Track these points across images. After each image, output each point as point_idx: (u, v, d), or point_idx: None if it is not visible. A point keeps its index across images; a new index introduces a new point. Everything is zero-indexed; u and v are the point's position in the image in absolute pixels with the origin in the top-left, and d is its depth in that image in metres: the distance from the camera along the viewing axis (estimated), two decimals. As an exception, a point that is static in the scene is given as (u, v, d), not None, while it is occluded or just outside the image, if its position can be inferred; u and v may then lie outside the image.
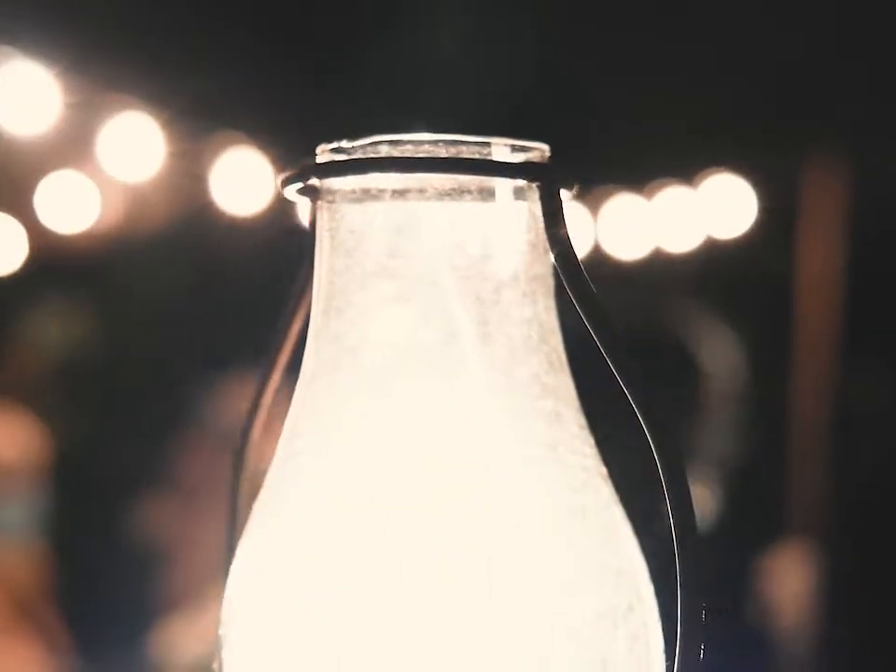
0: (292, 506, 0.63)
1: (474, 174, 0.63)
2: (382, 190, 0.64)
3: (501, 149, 0.64)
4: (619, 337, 0.62)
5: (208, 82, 3.39)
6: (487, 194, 0.64)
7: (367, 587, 0.60)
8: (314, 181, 0.65)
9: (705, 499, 2.69)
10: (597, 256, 3.74)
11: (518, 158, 0.65)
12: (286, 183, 0.65)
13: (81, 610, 2.97)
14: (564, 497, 0.64)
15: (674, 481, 0.60)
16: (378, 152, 0.64)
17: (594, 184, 3.79)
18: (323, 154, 0.65)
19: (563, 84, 3.74)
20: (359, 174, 0.63)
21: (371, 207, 0.64)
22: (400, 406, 0.63)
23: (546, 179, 0.64)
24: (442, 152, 0.63)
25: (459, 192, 0.64)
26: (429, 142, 0.63)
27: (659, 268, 3.81)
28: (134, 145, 3.27)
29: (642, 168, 3.69)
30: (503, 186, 0.64)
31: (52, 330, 4.53)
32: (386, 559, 0.60)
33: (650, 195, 3.84)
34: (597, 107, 3.68)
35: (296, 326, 0.69)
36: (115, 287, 4.48)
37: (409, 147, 0.63)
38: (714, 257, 3.76)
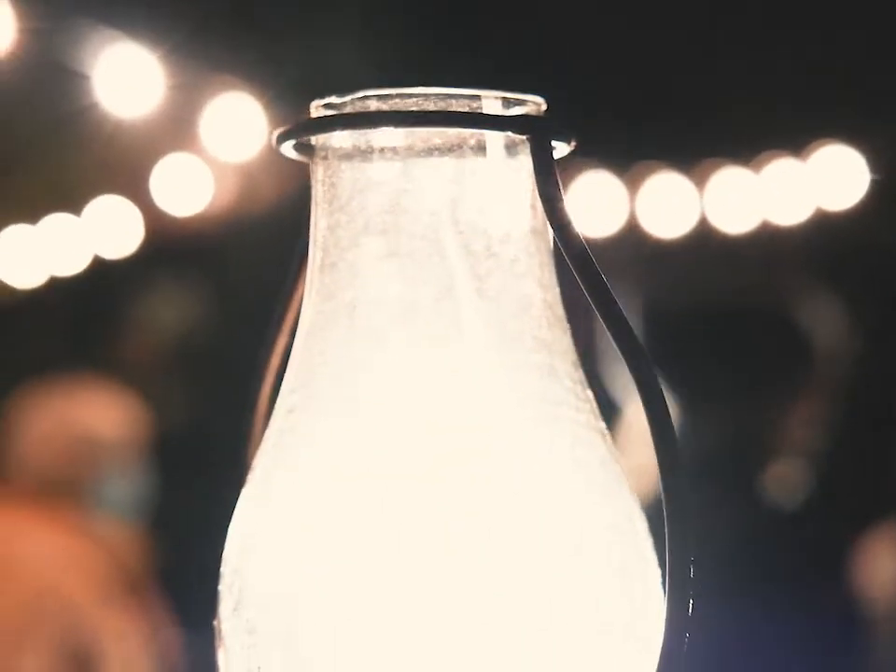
0: (287, 469, 0.63)
1: (463, 126, 0.63)
2: (375, 146, 0.64)
3: (492, 103, 0.64)
4: (607, 289, 0.61)
5: (310, 57, 3.42)
6: (481, 149, 0.64)
7: (365, 555, 0.60)
8: (308, 137, 0.65)
9: (808, 475, 2.65)
10: (704, 230, 3.70)
11: (513, 112, 0.65)
12: (280, 139, 0.65)
13: (182, 587, 3.03)
14: (562, 455, 0.63)
15: (656, 416, 0.59)
16: (368, 107, 0.64)
17: (702, 158, 3.75)
18: (316, 109, 0.65)
19: (670, 56, 3.70)
20: (349, 129, 0.63)
21: (365, 163, 0.64)
22: (396, 362, 0.63)
23: (537, 133, 0.63)
24: (432, 106, 0.63)
25: (453, 147, 0.63)
26: (420, 95, 0.63)
27: (767, 242, 3.75)
28: (239, 125, 3.31)
29: (750, 140, 3.64)
30: (494, 139, 0.64)
31: (166, 312, 4.61)
32: (385, 527, 0.60)
33: (758, 168, 3.78)
34: (702, 80, 3.64)
35: (300, 286, 0.69)
36: (227, 268, 4.54)
37: (399, 101, 0.63)
38: (824, 229, 3.69)
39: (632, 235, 3.72)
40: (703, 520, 2.04)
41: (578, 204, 3.67)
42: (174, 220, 4.17)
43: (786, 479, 2.09)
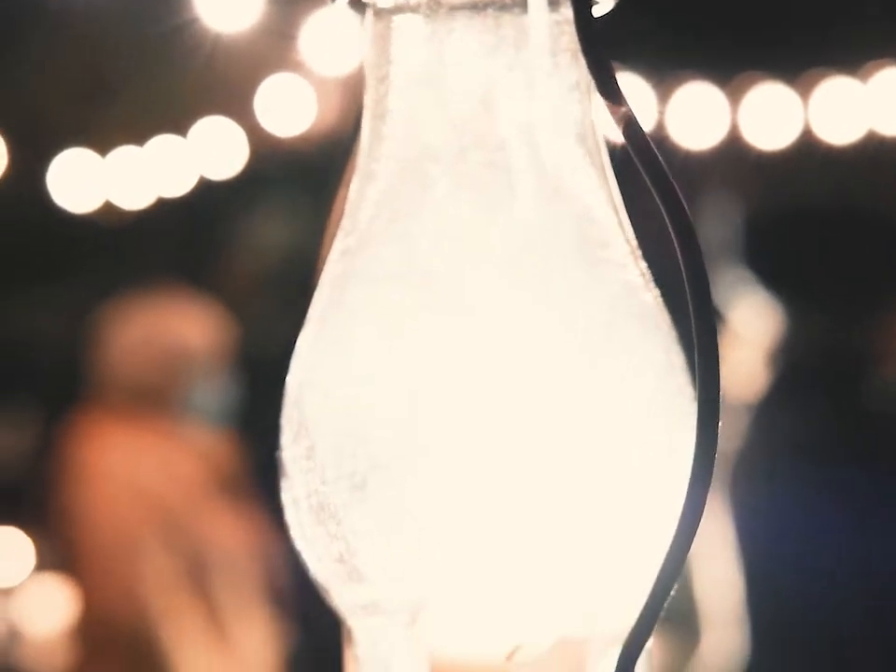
0: (342, 306, 0.65)
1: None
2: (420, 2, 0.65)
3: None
4: (645, 136, 0.62)
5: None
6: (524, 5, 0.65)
7: (419, 384, 0.62)
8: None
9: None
10: (808, 141, 3.65)
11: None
12: (334, -5, 0.67)
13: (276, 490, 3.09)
14: (598, 298, 0.64)
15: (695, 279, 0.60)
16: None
17: (806, 68, 3.70)
18: (367, -38, 0.67)
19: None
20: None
21: (413, 15, 0.65)
22: (444, 208, 0.65)
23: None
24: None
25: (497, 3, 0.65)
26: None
27: (873, 152, 3.68)
28: (341, 40, 3.31)
29: (855, 50, 3.58)
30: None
31: (269, 234, 4.66)
32: (438, 358, 0.62)
33: (864, 78, 3.71)
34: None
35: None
36: (332, 189, 4.56)
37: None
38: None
39: (734, 148, 3.68)
40: (798, 423, 2.04)
41: (680, 117, 3.64)
42: (278, 140, 4.20)
43: (883, 385, 2.08)
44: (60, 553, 3.19)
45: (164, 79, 4.37)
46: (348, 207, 0.68)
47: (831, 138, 3.75)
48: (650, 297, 0.66)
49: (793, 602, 1.99)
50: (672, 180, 0.61)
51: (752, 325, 2.09)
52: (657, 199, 0.61)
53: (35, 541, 3.75)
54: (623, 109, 0.62)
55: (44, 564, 3.64)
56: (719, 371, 0.60)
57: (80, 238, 4.66)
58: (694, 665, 2.10)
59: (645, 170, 0.61)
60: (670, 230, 0.61)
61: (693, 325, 0.61)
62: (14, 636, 3.52)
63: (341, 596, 0.65)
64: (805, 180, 3.42)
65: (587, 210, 0.66)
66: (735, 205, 2.12)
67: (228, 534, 2.89)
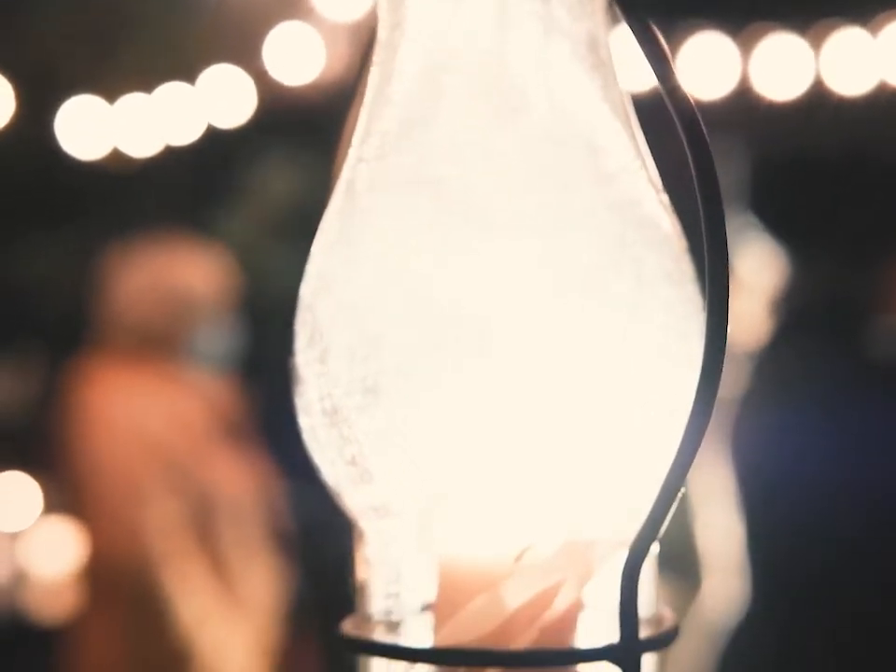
0: (355, 213, 0.66)
1: None
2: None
3: None
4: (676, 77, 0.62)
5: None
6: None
7: (430, 288, 0.63)
8: None
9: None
10: (819, 92, 3.63)
11: None
12: None
13: (280, 435, 3.10)
14: (607, 206, 0.65)
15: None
16: None
17: (818, 18, 3.68)
18: None
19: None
20: None
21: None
22: (457, 119, 0.65)
23: None
24: None
25: None
26: None
27: (884, 104, 3.67)
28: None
29: (868, 0, 3.55)
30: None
31: (277, 182, 4.65)
32: (451, 268, 0.63)
33: (875, 29, 3.69)
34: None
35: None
36: (336, 137, 4.55)
37: None
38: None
39: (745, 97, 3.67)
40: (801, 370, 2.04)
41: (690, 66, 3.63)
42: (286, 88, 4.19)
43: (885, 333, 2.08)
44: (66, 496, 3.21)
45: (173, 26, 4.35)
46: (363, 117, 0.68)
47: (841, 89, 3.74)
48: (660, 206, 0.66)
49: (794, 548, 2.00)
50: (699, 120, 0.62)
51: (757, 272, 2.09)
52: (684, 139, 0.62)
53: (41, 485, 3.77)
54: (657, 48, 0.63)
55: (51, 507, 3.66)
56: (728, 284, 0.60)
57: (87, 185, 4.65)
58: (695, 611, 2.11)
59: (674, 108, 0.62)
60: (693, 170, 0.61)
61: (705, 246, 0.61)
62: (21, 578, 3.55)
63: (352, 499, 0.65)
64: (814, 130, 3.41)
65: (597, 127, 0.66)
66: (744, 154, 2.11)
67: (231, 478, 2.90)
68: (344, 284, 0.64)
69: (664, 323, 0.63)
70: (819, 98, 3.57)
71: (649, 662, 0.64)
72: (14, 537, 3.70)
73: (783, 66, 3.68)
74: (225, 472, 2.88)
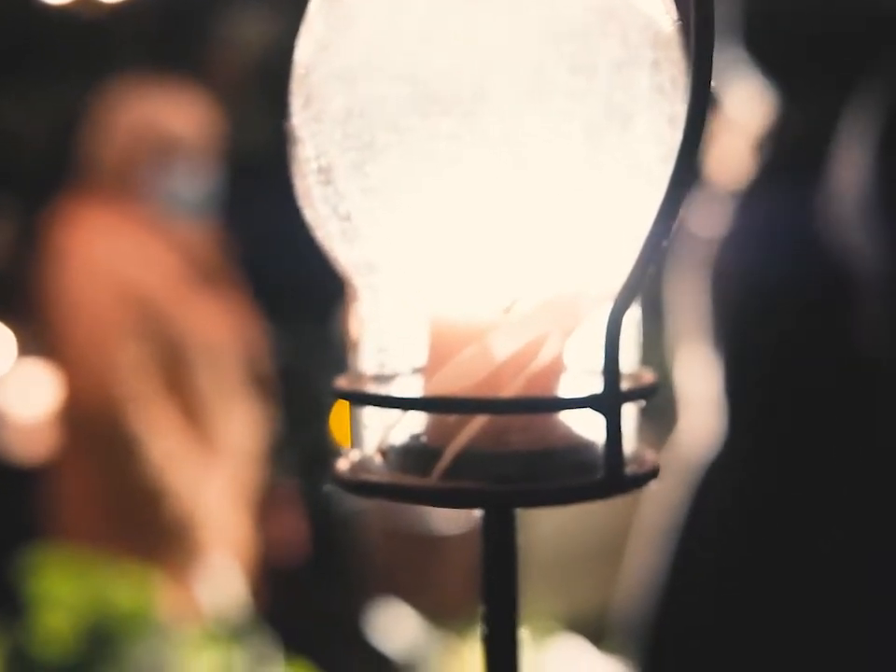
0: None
1: None
2: None
3: None
4: None
5: None
6: None
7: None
8: None
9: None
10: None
11: None
12: None
13: (263, 277, 3.12)
14: None
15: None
16: None
17: None
18: None
19: None
20: None
21: None
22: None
23: None
24: None
25: None
26: None
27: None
28: None
29: None
30: None
31: (251, 29, 4.59)
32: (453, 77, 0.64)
33: None
34: None
35: None
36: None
37: None
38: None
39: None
40: (784, 210, 2.04)
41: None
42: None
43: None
44: (42, 341, 3.23)
45: None
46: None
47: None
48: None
49: (770, 384, 2.03)
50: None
51: (745, 108, 2.10)
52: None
53: (18, 330, 3.78)
54: None
55: (27, 352, 3.68)
56: (713, 43, 0.62)
57: (59, 31, 4.59)
58: (670, 447, 2.15)
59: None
60: None
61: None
62: (1, 421, 3.58)
63: (346, 256, 0.68)
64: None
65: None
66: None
67: (208, 324, 2.92)
68: (338, 45, 0.65)
69: (649, 84, 0.65)
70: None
71: (629, 412, 0.67)
72: (-8, 382, 3.73)
73: None
74: (202, 318, 2.90)
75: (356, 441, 0.69)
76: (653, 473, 0.67)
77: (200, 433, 2.90)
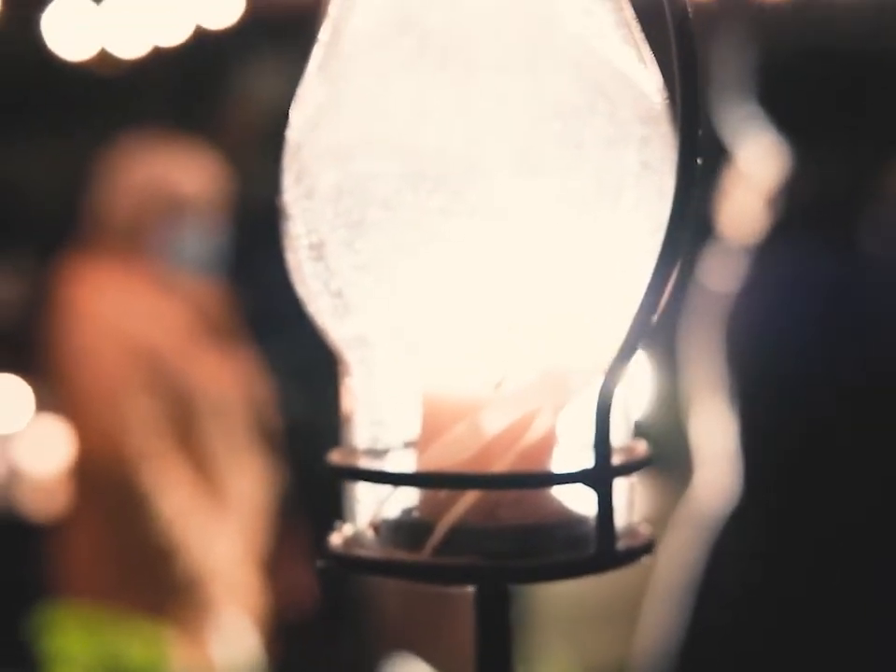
0: (344, 59, 0.68)
1: None
2: None
3: None
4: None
5: None
6: None
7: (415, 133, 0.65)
8: None
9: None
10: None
11: None
12: None
13: (264, 337, 3.13)
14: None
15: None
16: None
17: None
18: None
19: None
20: None
21: None
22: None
23: None
24: None
25: None
26: None
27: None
28: None
29: None
30: None
31: (264, 84, 4.63)
32: (440, 122, 0.65)
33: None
34: None
35: None
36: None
37: None
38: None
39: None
40: (796, 265, 2.05)
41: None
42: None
43: (884, 227, 2.08)
44: (56, 397, 3.23)
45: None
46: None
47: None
48: (640, 64, 0.68)
49: (786, 438, 2.02)
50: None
51: (758, 165, 2.10)
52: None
53: (33, 387, 3.80)
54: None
55: (43, 408, 3.69)
56: (699, 119, 0.63)
57: (75, 86, 4.63)
58: (686, 503, 2.14)
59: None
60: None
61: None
62: (15, 477, 3.59)
63: (337, 331, 0.68)
64: (819, 22, 3.39)
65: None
66: (747, 44, 2.10)
67: (216, 378, 2.92)
68: (330, 122, 0.66)
69: (638, 160, 0.65)
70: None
71: (620, 487, 0.67)
72: (8, 438, 3.74)
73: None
74: (210, 373, 2.91)
75: (349, 514, 0.69)
76: (647, 547, 0.67)
77: (209, 488, 2.90)
